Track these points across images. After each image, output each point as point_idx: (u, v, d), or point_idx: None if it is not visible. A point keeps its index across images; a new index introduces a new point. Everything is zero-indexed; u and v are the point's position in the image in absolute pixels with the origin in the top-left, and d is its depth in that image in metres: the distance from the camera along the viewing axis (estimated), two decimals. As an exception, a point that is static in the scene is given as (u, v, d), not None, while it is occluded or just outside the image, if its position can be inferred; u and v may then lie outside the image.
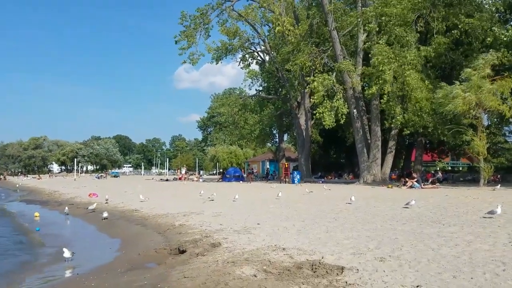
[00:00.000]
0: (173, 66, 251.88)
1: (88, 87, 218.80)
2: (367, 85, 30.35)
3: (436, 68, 30.41)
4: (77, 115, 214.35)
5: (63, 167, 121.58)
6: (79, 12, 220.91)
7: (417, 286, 5.64)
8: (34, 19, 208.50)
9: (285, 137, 53.75)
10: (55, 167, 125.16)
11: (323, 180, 36.42)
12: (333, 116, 27.90)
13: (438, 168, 45.13)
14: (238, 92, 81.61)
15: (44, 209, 23.11)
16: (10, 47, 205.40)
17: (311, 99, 32.38)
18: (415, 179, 24.95)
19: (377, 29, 28.19)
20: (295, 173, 35.49)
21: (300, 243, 8.61)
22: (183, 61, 38.77)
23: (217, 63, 43.75)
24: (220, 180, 47.76)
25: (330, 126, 28.16)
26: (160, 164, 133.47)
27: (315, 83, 28.14)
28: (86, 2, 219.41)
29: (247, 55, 44.52)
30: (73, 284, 7.57)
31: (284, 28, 32.70)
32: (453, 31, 26.83)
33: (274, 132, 53.01)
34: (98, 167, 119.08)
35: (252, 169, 56.85)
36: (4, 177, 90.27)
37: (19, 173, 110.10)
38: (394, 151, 30.92)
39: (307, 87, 31.23)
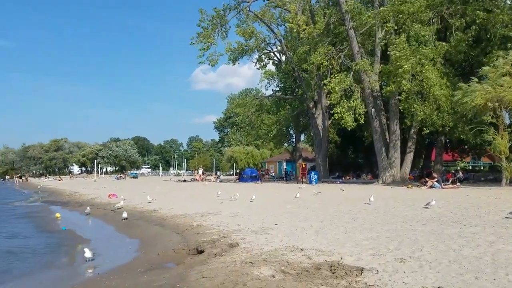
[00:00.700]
0: (191, 68, 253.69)
1: (106, 90, 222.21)
2: (385, 83, 30.04)
3: (455, 66, 29.89)
4: (96, 117, 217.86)
5: (83, 169, 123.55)
6: (92, 14, 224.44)
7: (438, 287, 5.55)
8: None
9: (302, 137, 53.61)
10: (75, 169, 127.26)
11: (341, 180, 36.16)
12: (353, 117, 27.67)
13: (458, 168, 44.28)
14: (254, 93, 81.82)
15: (65, 210, 23.56)
16: (30, 49, 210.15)
17: (328, 99, 32.19)
18: (435, 179, 24.59)
19: (395, 27, 27.87)
20: (313, 173, 35.31)
21: (318, 244, 8.56)
22: (202, 61, 38.87)
23: (233, 64, 43.86)
24: (237, 180, 47.89)
25: (351, 127, 27.93)
26: (177, 165, 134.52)
27: (332, 84, 27.96)
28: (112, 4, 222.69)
29: (263, 56, 44.55)
30: (94, 283, 7.69)
31: (299, 27, 32.63)
32: (472, 27, 26.35)
33: (291, 132, 52.90)
34: (117, 168, 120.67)
35: (268, 169, 56.72)
36: (26, 178, 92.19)
37: (41, 175, 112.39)
38: (413, 151, 30.52)
39: (324, 87, 31.09)
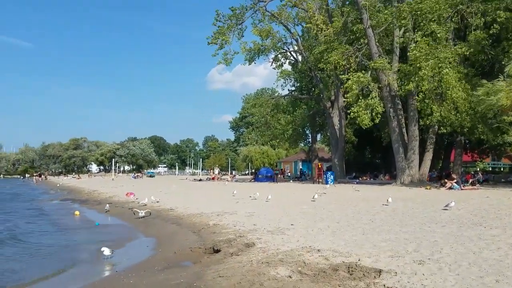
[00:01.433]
0: (206, 68, 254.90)
1: (124, 91, 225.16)
2: (403, 82, 29.68)
3: (475, 66, 29.33)
4: (114, 117, 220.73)
5: (101, 167, 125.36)
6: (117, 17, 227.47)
7: (459, 291, 5.47)
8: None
9: (318, 137, 53.31)
10: (94, 167, 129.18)
11: (357, 181, 35.86)
12: (369, 116, 27.40)
13: (478, 169, 43.44)
14: (270, 93, 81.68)
15: (83, 208, 23.94)
16: (49, 51, 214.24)
17: (345, 98, 31.92)
18: (455, 180, 24.22)
19: (411, 25, 27.48)
20: (329, 173, 35.09)
21: (336, 245, 8.50)
22: (220, 61, 39.02)
23: (249, 64, 43.87)
24: (252, 180, 47.93)
25: (367, 126, 27.68)
26: (193, 164, 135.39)
27: (349, 82, 27.74)
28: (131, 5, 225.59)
29: (279, 55, 44.43)
30: (112, 281, 7.79)
31: (317, 27, 32.45)
32: (492, 26, 25.82)
33: (307, 132, 52.64)
34: (134, 167, 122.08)
35: (284, 169, 56.50)
36: (45, 177, 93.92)
37: (60, 173, 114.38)
38: (432, 151, 30.06)
39: (341, 86, 30.81)
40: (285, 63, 45.58)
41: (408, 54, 27.30)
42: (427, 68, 24.76)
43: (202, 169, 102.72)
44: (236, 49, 44.18)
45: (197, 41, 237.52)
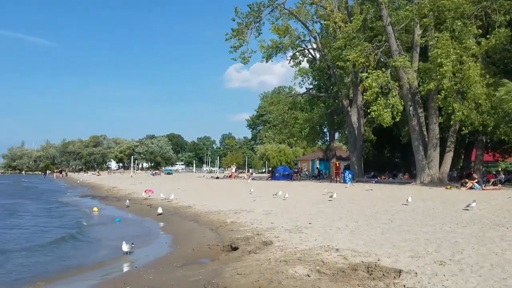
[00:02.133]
0: (224, 66, 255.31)
1: (144, 89, 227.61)
2: (423, 80, 29.20)
3: (497, 64, 28.65)
4: (133, 114, 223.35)
5: (120, 164, 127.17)
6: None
7: (481, 293, 5.36)
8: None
9: (336, 135, 52.91)
10: (113, 164, 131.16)
11: (376, 180, 35.48)
12: (390, 114, 27.05)
13: (500, 169, 42.47)
14: (287, 91, 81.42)
15: (102, 204, 24.32)
16: (72, 51, 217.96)
17: (364, 96, 31.57)
18: (476, 180, 23.78)
19: (433, 23, 27.00)
20: (347, 172, 34.80)
21: (354, 245, 8.43)
22: (233, 58, 39.14)
23: (267, 62, 43.83)
24: (269, 178, 47.89)
25: (388, 124, 27.33)
26: (210, 162, 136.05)
27: (369, 80, 27.43)
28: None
29: (297, 53, 44.21)
30: (132, 276, 7.88)
31: (335, 24, 32.18)
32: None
33: (325, 130, 52.29)
34: (152, 164, 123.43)
35: (301, 168, 56.20)
36: (65, 173, 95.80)
37: (80, 170, 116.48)
38: (453, 150, 29.53)
39: (360, 84, 30.46)
40: (303, 61, 45.41)
41: (429, 53, 26.85)
42: (448, 64, 24.31)
43: (219, 167, 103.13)
44: (254, 47, 44.17)
45: (215, 39, 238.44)
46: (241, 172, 74.23)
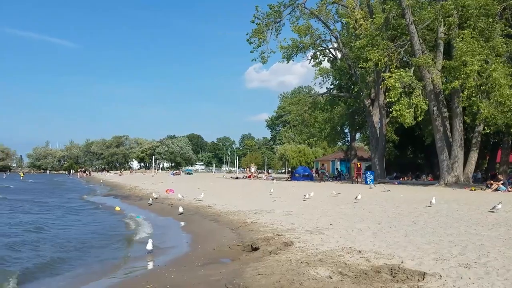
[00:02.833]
0: (244, 66, 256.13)
1: (164, 89, 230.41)
2: (447, 80, 28.61)
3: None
4: (154, 115, 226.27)
5: (142, 164, 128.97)
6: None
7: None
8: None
9: (357, 136, 52.38)
10: (135, 164, 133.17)
11: (399, 181, 34.97)
12: (412, 114, 26.58)
13: (527, 170, 41.27)
14: (307, 91, 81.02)
15: (125, 203, 24.68)
16: (93, 52, 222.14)
17: (386, 96, 31.15)
18: (501, 181, 23.20)
19: (458, 22, 26.45)
20: (368, 173, 34.40)
21: (377, 247, 8.30)
22: (253, 59, 39.28)
23: (287, 62, 43.72)
24: (289, 179, 47.74)
25: (410, 124, 26.88)
26: (230, 162, 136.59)
27: (392, 80, 26.97)
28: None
29: (318, 53, 43.93)
30: (154, 275, 7.95)
31: (356, 22, 31.81)
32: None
33: (346, 130, 51.81)
34: (173, 164, 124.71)
35: (324, 168, 55.73)
36: (89, 173, 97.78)
37: (103, 169, 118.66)
38: (477, 151, 28.85)
39: (382, 83, 30.04)
40: (323, 60, 45.09)
41: (453, 52, 26.30)
42: (473, 63, 23.76)
43: (238, 167, 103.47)
44: (273, 47, 44.10)
45: (235, 39, 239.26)
46: (260, 173, 74.27)
